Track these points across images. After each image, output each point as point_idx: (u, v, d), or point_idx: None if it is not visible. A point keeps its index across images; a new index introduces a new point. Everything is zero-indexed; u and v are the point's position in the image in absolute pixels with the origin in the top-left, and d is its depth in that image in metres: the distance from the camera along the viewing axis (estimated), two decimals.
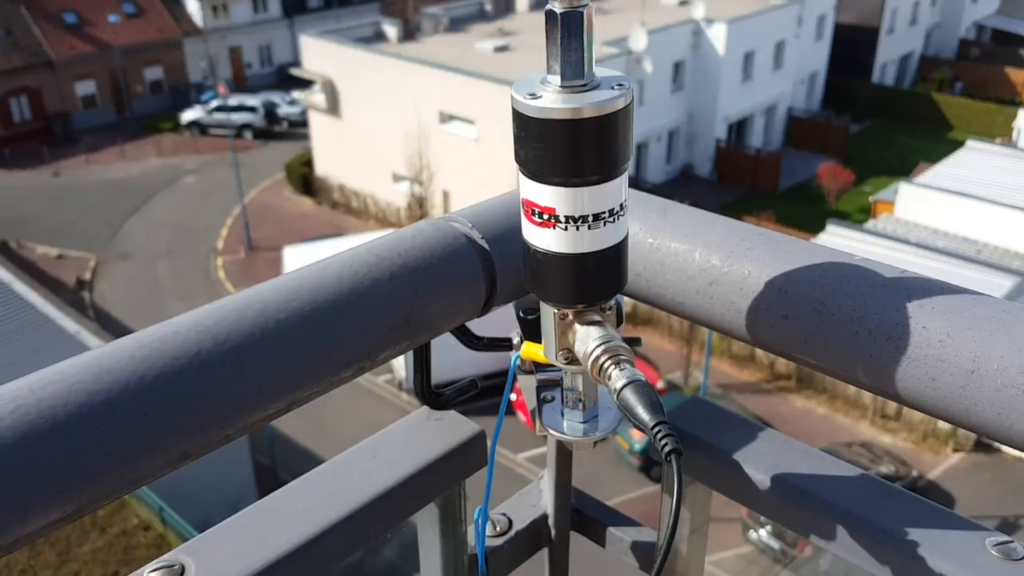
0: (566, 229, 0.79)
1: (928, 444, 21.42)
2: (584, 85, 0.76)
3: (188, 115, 43.34)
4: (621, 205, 0.80)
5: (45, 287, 25.66)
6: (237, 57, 49.64)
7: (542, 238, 0.80)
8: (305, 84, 37.12)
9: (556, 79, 0.76)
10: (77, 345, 20.53)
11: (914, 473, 19.79)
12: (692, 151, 37.35)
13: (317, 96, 34.84)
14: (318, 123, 35.75)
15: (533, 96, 0.75)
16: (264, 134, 42.89)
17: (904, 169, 35.55)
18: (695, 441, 1.04)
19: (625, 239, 0.83)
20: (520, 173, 0.80)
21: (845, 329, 0.83)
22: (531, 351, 0.91)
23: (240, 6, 49.22)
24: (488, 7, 39.39)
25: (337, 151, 35.07)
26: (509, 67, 29.70)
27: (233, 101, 41.59)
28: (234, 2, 48.91)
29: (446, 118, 30.40)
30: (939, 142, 39.25)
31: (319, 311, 0.82)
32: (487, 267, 0.96)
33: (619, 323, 0.90)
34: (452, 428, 1.07)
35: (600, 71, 0.79)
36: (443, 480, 1.04)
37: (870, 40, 44.72)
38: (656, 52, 31.74)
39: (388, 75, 31.70)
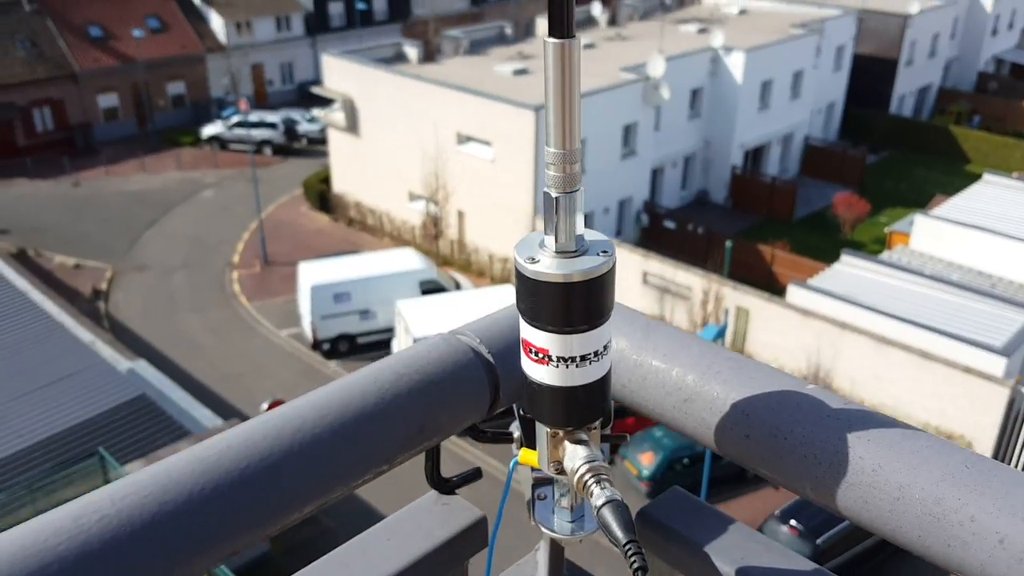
0: (558, 367, 0.93)
1: None
2: (575, 251, 0.91)
3: (209, 130, 43.92)
4: (605, 346, 0.95)
5: (61, 296, 26.04)
6: (259, 74, 50.29)
7: (538, 372, 0.95)
8: (325, 102, 37.55)
9: (552, 245, 0.91)
10: (91, 355, 20.82)
11: None
12: (708, 177, 37.47)
13: (337, 114, 35.24)
14: (337, 141, 36.15)
15: (532, 260, 0.91)
16: (283, 150, 43.38)
17: (920, 201, 35.56)
18: (672, 533, 1.17)
19: (608, 373, 0.98)
20: (520, 318, 0.95)
21: (795, 452, 0.97)
22: (527, 457, 1.05)
23: (263, 23, 49.92)
24: (508, 31, 39.81)
25: (355, 169, 35.43)
26: (527, 90, 29.99)
27: (254, 117, 42.15)
28: (257, 19, 49.62)
29: (463, 139, 30.68)
30: (956, 175, 39.24)
31: (347, 426, 0.98)
32: (492, 378, 1.11)
33: (607, 423, 1.04)
34: (458, 513, 1.20)
35: (589, 235, 0.94)
36: (449, 561, 1.17)
37: (889, 71, 44.83)
38: (674, 79, 31.94)
39: (407, 95, 32.05)
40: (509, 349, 1.13)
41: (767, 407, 1.02)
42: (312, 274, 26.11)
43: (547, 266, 0.90)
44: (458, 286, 27.90)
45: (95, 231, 34.69)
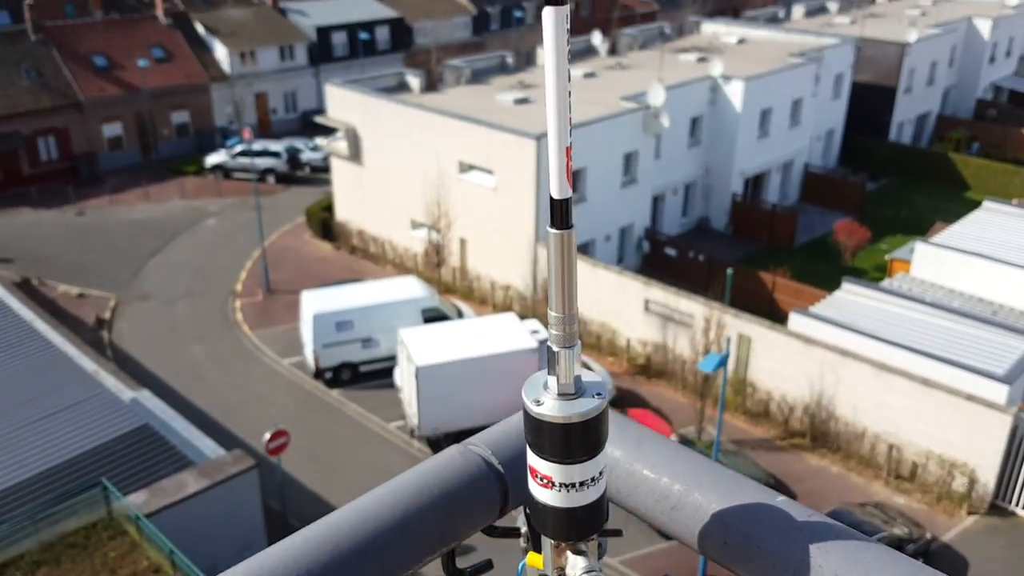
0: (560, 491, 1.08)
1: (942, 506, 21.29)
2: (574, 394, 1.04)
3: (212, 159, 44.32)
4: (601, 472, 1.09)
5: (65, 325, 26.15)
6: (263, 103, 50.82)
7: (543, 495, 1.10)
8: (329, 131, 37.92)
9: (554, 388, 1.05)
10: (94, 384, 20.90)
11: (928, 535, 19.65)
12: (708, 204, 37.72)
13: (340, 143, 35.59)
14: (340, 169, 36.47)
15: (537, 403, 1.04)
16: (286, 179, 43.76)
17: (920, 228, 35.77)
18: None
19: (603, 494, 1.11)
20: (528, 448, 1.08)
21: (766, 559, 1.11)
22: (534, 560, 1.18)
23: (267, 53, 50.52)
24: (509, 60, 40.26)
25: (357, 197, 35.71)
26: (529, 118, 30.29)
27: (257, 146, 42.53)
28: (261, 50, 50.22)
29: (465, 167, 30.94)
30: (956, 202, 39.49)
31: (379, 538, 1.12)
32: (502, 486, 1.25)
33: (600, 556, 1.19)
34: None
35: (587, 376, 1.08)
36: None
37: (887, 99, 45.25)
38: (674, 107, 32.27)
39: (410, 124, 32.38)
40: (517, 458, 1.26)
41: (742, 517, 1.16)
42: (315, 302, 26.24)
43: (550, 408, 1.04)
44: (460, 314, 28.02)
45: (99, 260, 34.93)
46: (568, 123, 0.98)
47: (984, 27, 50.32)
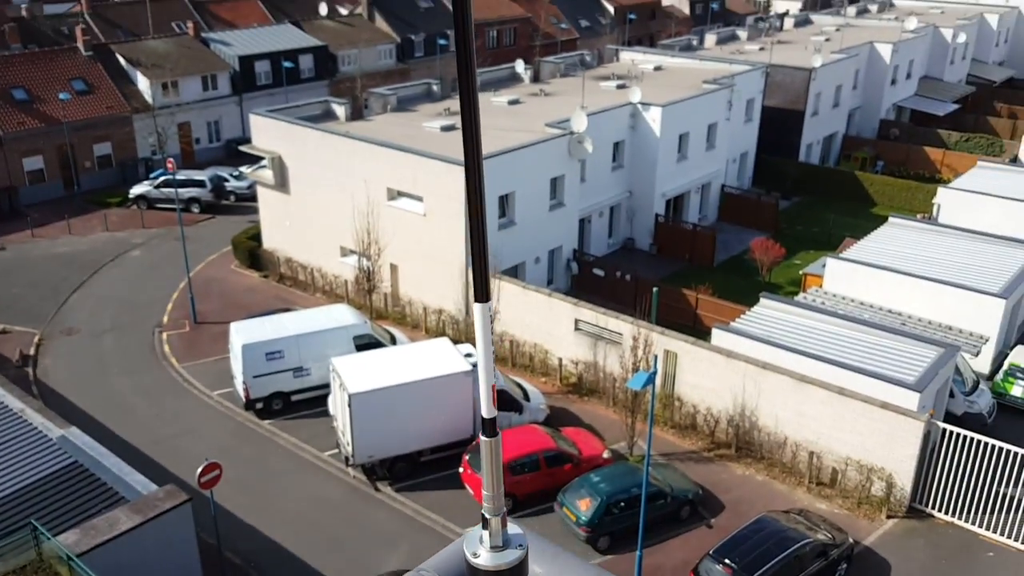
0: None
1: (863, 510, 22.24)
2: (501, 547, 1.62)
3: (136, 190, 43.57)
4: None
5: None
6: (186, 132, 50.19)
7: None
8: (254, 159, 37.74)
9: (487, 542, 1.64)
10: (20, 423, 20.38)
11: (850, 540, 20.50)
12: (633, 225, 38.81)
13: (265, 171, 35.48)
14: (266, 197, 36.32)
15: (475, 555, 1.64)
16: (212, 208, 43.28)
17: (831, 243, 37.49)
18: None
19: None
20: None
21: None
22: None
23: (190, 83, 49.98)
24: (435, 87, 40.80)
25: (285, 226, 35.61)
26: (457, 145, 30.75)
27: (181, 175, 41.99)
28: (184, 80, 49.67)
29: (395, 194, 31.23)
30: (863, 218, 41.51)
31: None
32: None
33: None
34: None
35: (512, 529, 1.70)
36: None
37: (796, 122, 47.38)
38: (596, 133, 33.26)
39: (337, 153, 32.55)
40: None
41: None
42: (244, 333, 26.07)
43: (485, 559, 1.64)
44: (393, 340, 28.19)
45: (22, 295, 33.97)
46: (492, 369, 1.62)
47: (885, 51, 53.15)
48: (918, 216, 37.71)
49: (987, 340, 27.05)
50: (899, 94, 56.50)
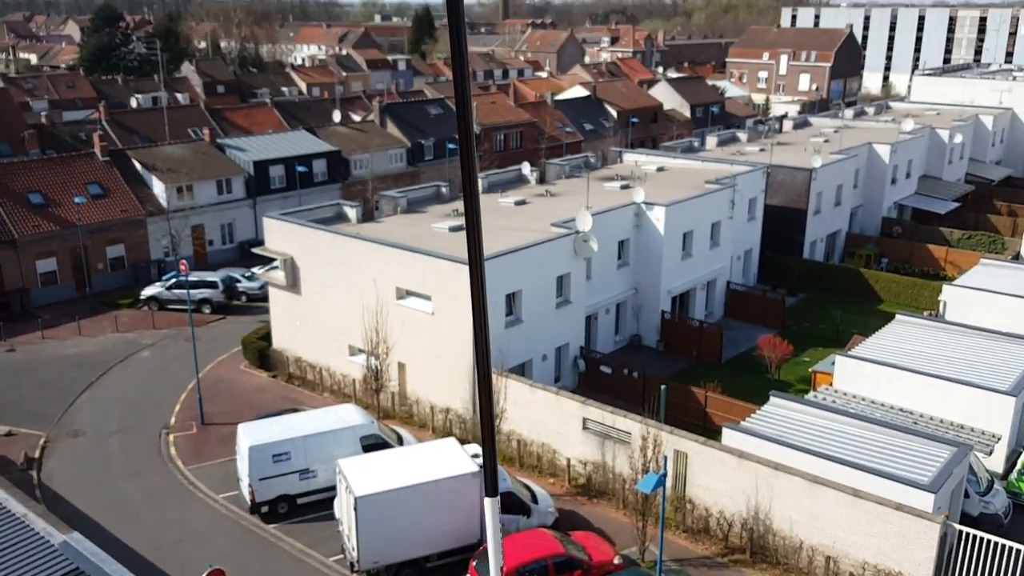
0: None
1: None
2: None
3: (147, 291, 44.12)
4: None
5: None
6: (199, 235, 51.15)
7: None
8: (267, 260, 38.31)
9: None
10: (23, 528, 20.12)
11: None
12: (639, 322, 38.96)
13: (277, 272, 36.00)
14: (277, 298, 36.73)
15: None
16: (223, 309, 43.70)
17: (839, 340, 37.46)
18: None
19: None
20: None
21: None
22: None
23: (205, 187, 51.26)
24: (444, 189, 41.77)
25: (295, 325, 35.90)
26: (464, 245, 31.21)
27: (193, 276, 42.60)
28: (199, 184, 50.97)
29: (403, 294, 31.59)
30: (870, 315, 41.60)
31: None
32: None
33: None
34: None
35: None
36: None
37: (799, 220, 48.09)
38: (601, 232, 33.85)
39: (347, 254, 33.10)
40: None
41: None
42: (250, 435, 25.93)
43: None
44: (400, 440, 27.97)
45: (29, 397, 34.00)
46: (501, 559, 1.76)
47: (884, 152, 54.35)
48: (925, 313, 37.82)
49: (999, 439, 26.71)
50: (900, 193, 57.45)
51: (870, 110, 72.79)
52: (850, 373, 29.80)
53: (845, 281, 46.56)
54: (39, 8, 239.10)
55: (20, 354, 38.45)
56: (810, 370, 33.65)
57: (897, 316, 34.56)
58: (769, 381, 34.15)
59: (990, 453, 26.30)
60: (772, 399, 27.36)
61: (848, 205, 52.58)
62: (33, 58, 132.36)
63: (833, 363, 30.83)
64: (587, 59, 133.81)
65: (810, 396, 29.26)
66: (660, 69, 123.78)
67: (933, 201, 58.11)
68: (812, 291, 46.22)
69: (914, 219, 57.51)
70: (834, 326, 40.46)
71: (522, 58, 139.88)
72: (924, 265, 49.63)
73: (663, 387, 26.88)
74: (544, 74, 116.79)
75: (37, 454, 29.57)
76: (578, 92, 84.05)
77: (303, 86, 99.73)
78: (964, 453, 23.65)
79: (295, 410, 30.18)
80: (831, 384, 30.23)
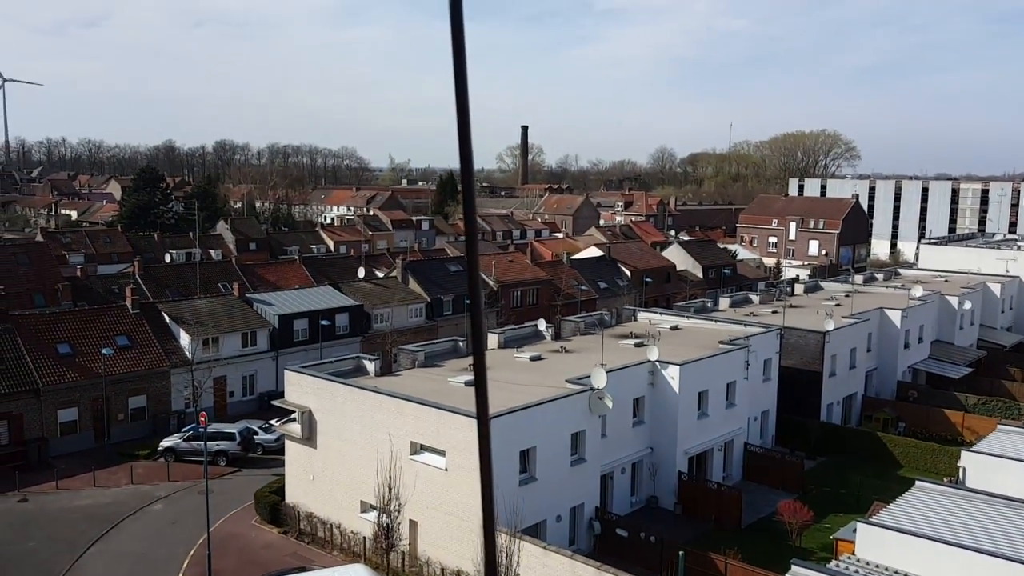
0: None
1: None
2: None
3: (165, 442, 44.36)
4: None
5: None
6: (221, 386, 51.88)
7: None
8: (285, 412, 38.72)
9: None
10: None
11: None
12: (656, 483, 38.48)
13: (294, 425, 36.33)
14: (293, 451, 36.84)
15: None
16: (239, 461, 43.71)
17: (860, 507, 36.73)
18: None
19: None
20: None
21: None
22: None
23: (230, 340, 52.51)
24: (461, 344, 42.62)
25: (308, 479, 35.82)
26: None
27: (211, 428, 42.93)
28: (225, 336, 52.26)
29: (417, 448, 31.66)
30: (890, 480, 40.94)
31: None
32: None
33: None
34: None
35: None
36: None
37: (814, 382, 48.26)
38: (616, 389, 34.16)
39: (364, 407, 33.49)
40: None
41: None
42: None
43: None
44: None
45: (37, 550, 33.63)
46: None
47: (895, 316, 55.11)
48: (945, 479, 37.23)
49: None
50: (913, 357, 57.72)
51: (880, 276, 74.29)
52: (873, 541, 29.08)
53: (863, 445, 46.10)
54: (84, 168, 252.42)
55: (32, 504, 38.33)
56: (831, 537, 32.86)
57: (917, 482, 34.02)
58: (790, 548, 33.30)
59: None
60: (793, 568, 26.66)
61: (863, 368, 52.82)
62: (74, 214, 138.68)
63: (855, 530, 30.18)
64: (602, 222, 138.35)
65: (832, 566, 28.47)
66: (672, 232, 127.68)
67: (947, 366, 58.24)
68: (830, 454, 45.70)
69: (928, 383, 57.44)
70: (854, 491, 39.76)
71: (540, 220, 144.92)
72: (941, 430, 49.18)
73: (681, 553, 26.35)
74: (561, 235, 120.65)
75: None
76: (593, 252, 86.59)
77: (331, 244, 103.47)
78: None
79: (302, 569, 29.67)
80: (853, 552, 29.48)
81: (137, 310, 51.17)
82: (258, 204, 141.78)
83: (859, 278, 71.44)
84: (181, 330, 51.07)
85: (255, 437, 45.30)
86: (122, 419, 47.38)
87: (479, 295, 2.39)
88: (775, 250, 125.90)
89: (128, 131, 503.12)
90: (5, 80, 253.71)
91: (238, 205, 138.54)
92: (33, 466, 42.41)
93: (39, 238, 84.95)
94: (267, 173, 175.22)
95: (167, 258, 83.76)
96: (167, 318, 51.79)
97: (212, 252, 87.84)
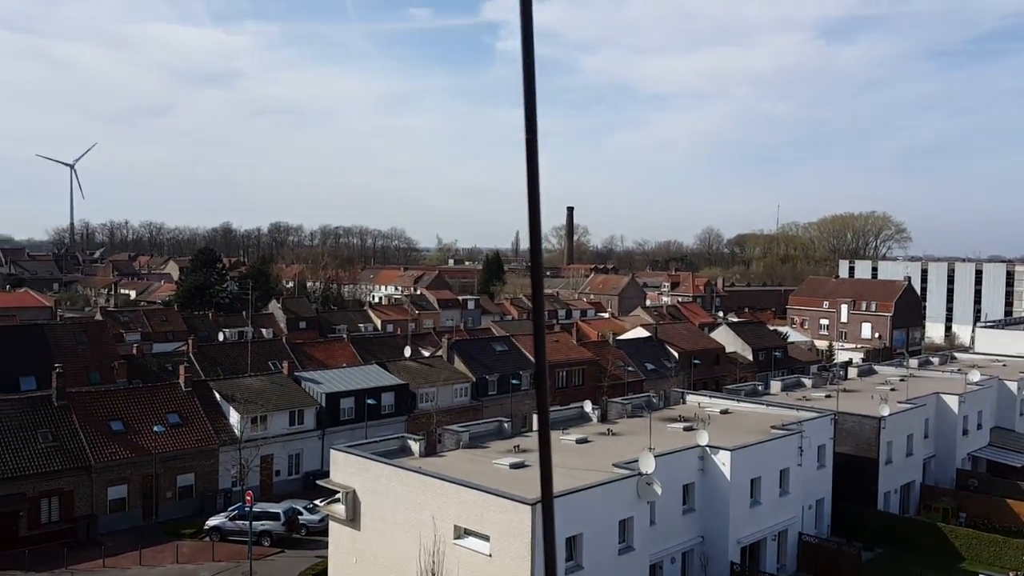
0: None
1: None
2: None
3: (211, 521, 44.42)
4: None
5: None
6: (268, 465, 52.11)
7: None
8: (331, 492, 38.60)
9: None
10: None
11: None
12: (708, 575, 37.23)
13: (338, 506, 36.13)
14: (337, 533, 36.53)
15: None
16: (283, 542, 43.49)
17: None
18: None
19: None
20: None
21: None
22: None
23: (278, 418, 52.99)
24: (506, 425, 42.36)
25: (352, 562, 35.42)
26: (525, 483, 31.18)
27: (257, 508, 42.96)
28: (273, 415, 52.77)
29: (461, 532, 31.19)
30: (952, 573, 39.07)
31: None
32: None
33: None
34: None
35: None
36: None
37: (871, 469, 46.73)
38: (664, 475, 33.41)
39: (408, 489, 33.21)
40: None
41: None
42: None
43: None
44: None
45: None
46: None
47: (952, 402, 53.49)
48: (1010, 573, 35.48)
49: None
50: (972, 444, 55.71)
51: (935, 360, 72.50)
52: None
53: (923, 536, 44.19)
54: (145, 249, 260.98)
55: None
56: None
57: None
58: None
59: None
60: None
61: (920, 455, 51.08)
62: (133, 294, 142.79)
63: None
64: (648, 302, 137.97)
65: None
66: (720, 313, 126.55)
67: (1008, 454, 56.05)
68: (888, 546, 43.85)
69: (989, 471, 55.22)
70: None
71: (585, 300, 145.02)
72: (1004, 521, 46.99)
73: None
74: (606, 315, 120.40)
75: None
76: (640, 333, 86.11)
77: (378, 322, 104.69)
78: None
79: None
80: None
81: (189, 388, 52.05)
82: (309, 284, 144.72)
83: (914, 362, 69.76)
84: (231, 408, 51.71)
85: (299, 517, 45.15)
86: (170, 497, 47.68)
87: (544, 370, 2.49)
88: (826, 333, 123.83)
89: (188, 212, 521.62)
90: (69, 165, 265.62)
91: (290, 285, 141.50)
92: (81, 543, 42.69)
93: (98, 317, 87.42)
94: (319, 254, 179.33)
95: (220, 336, 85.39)
96: (218, 396, 52.53)
97: (264, 331, 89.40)
